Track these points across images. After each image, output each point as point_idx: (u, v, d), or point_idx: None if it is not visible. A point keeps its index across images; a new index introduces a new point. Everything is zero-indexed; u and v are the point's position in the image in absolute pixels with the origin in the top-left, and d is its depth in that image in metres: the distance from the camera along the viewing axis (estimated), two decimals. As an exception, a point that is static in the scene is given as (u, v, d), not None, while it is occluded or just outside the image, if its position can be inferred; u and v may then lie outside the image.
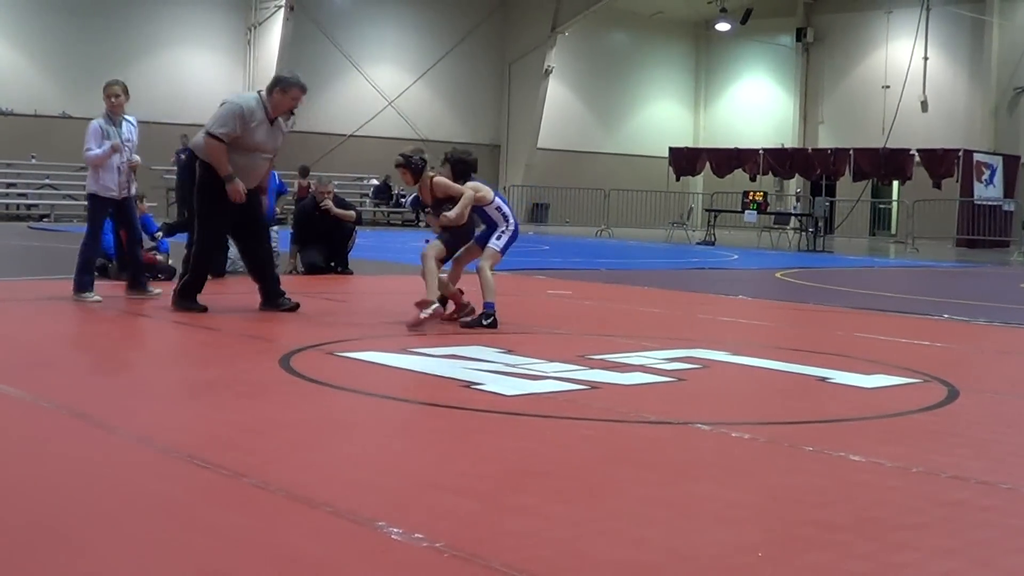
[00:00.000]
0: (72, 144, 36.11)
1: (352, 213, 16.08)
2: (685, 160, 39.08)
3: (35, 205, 34.85)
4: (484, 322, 9.89)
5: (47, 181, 35.48)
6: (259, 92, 10.69)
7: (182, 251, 13.59)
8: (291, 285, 13.64)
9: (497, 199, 10.23)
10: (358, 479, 4.67)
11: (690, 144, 45.54)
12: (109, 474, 4.69)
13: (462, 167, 10.26)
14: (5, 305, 10.69)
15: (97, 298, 10.94)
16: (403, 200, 40.63)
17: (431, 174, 10.04)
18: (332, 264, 15.72)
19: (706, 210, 35.72)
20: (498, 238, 10.19)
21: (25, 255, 19.04)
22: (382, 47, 42.83)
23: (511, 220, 10.28)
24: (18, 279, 12.70)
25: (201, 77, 38.91)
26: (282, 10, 38.68)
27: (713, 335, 10.33)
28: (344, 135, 41.92)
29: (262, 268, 10.85)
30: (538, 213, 43.94)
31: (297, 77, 10.75)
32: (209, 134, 10.42)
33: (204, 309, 10.38)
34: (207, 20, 39.25)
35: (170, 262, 14.10)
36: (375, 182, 40.94)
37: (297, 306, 10.62)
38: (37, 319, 10.12)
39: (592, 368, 7.66)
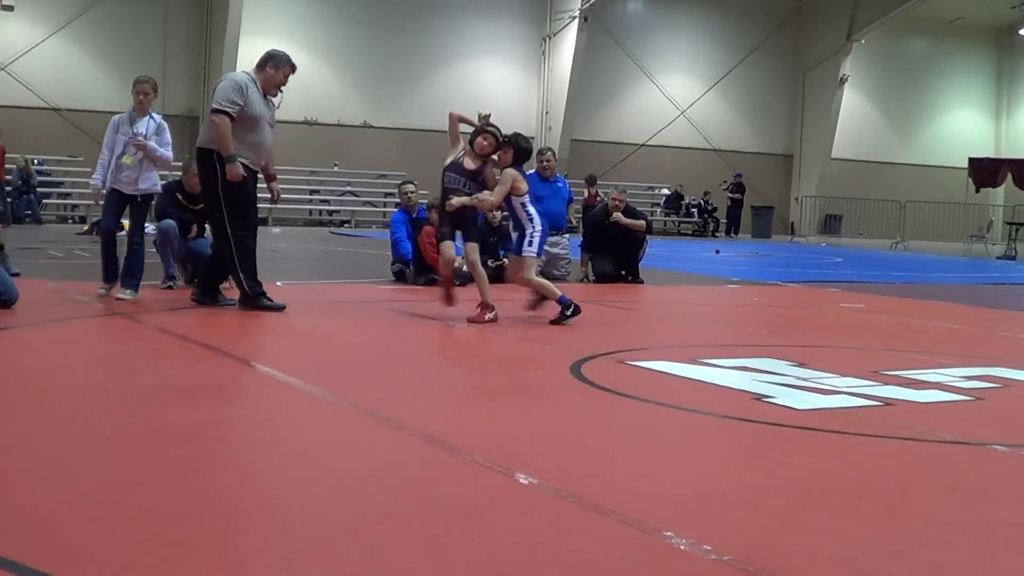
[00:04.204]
0: (372, 153, 37.57)
1: (642, 223, 16.12)
2: (985, 171, 37.66)
3: (337, 211, 36.13)
4: (568, 313, 10.31)
5: (348, 188, 36.76)
6: (244, 71, 10.90)
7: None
8: (582, 293, 13.77)
9: (526, 197, 10.47)
10: (647, 488, 4.68)
11: (991, 154, 43.91)
12: (402, 474, 4.82)
13: (523, 154, 10.54)
14: (308, 307, 11.11)
15: (101, 291, 11.16)
16: (692, 207, 40.49)
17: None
18: (623, 273, 15.80)
19: (1007, 223, 34.40)
20: (530, 244, 10.46)
21: (328, 260, 19.77)
22: (674, 56, 42.78)
23: (536, 219, 10.46)
24: (320, 282, 13.18)
25: (497, 87, 39.62)
26: (576, 21, 39.05)
27: (1014, 353, 9.95)
28: (636, 144, 42.03)
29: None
30: (831, 224, 43.11)
31: (288, 56, 10.90)
32: (216, 110, 10.42)
33: (282, 307, 10.57)
34: (503, 32, 39.95)
35: (465, 269, 14.37)
36: (666, 191, 40.92)
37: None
38: (336, 322, 10.49)
39: (886, 384, 7.48)
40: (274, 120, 10.96)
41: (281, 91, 10.95)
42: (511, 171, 10.42)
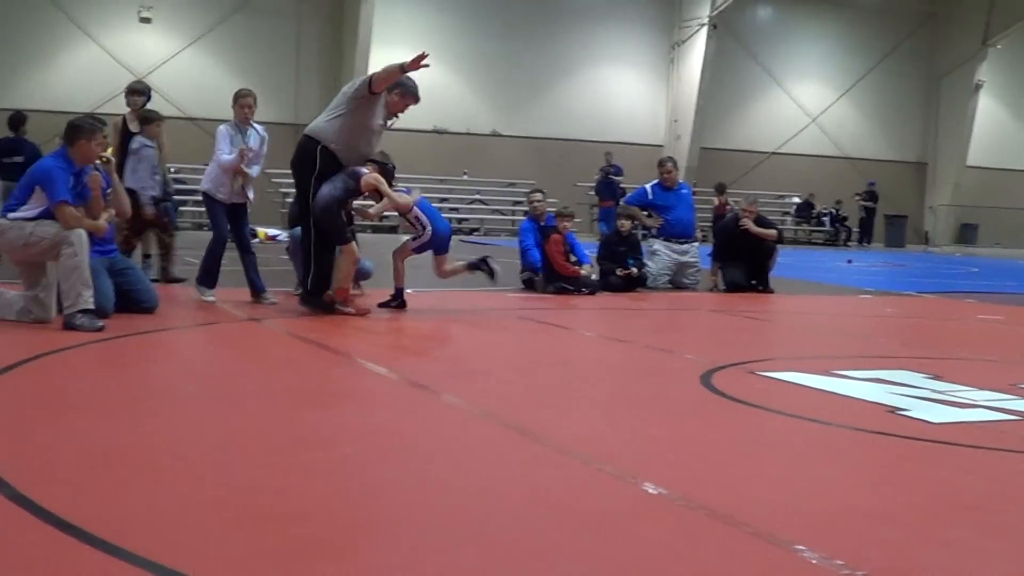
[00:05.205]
0: (501, 162, 37.76)
1: (773, 232, 15.95)
2: None
3: (466, 219, 36.35)
4: (393, 304, 11.27)
5: (477, 196, 36.97)
6: None
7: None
8: (712, 302, 13.69)
9: (416, 209, 11.16)
10: (778, 501, 4.63)
11: None
12: (529, 482, 4.81)
13: (386, 172, 11.07)
14: (439, 315, 11.19)
15: (211, 298, 11.34)
16: (825, 215, 40.00)
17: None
18: (753, 282, 15.65)
19: None
20: (414, 239, 11.39)
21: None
22: (805, 63, 42.38)
23: (428, 228, 11.19)
24: (451, 290, 13.28)
25: (624, 95, 39.62)
26: (705, 28, 38.87)
27: None
28: (766, 152, 41.70)
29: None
30: (967, 234, 42.37)
31: (416, 88, 10.94)
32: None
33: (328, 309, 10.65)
34: (631, 39, 39.91)
35: (594, 277, 14.36)
36: (797, 200, 40.52)
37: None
38: (466, 329, 10.57)
39: (1025, 398, 7.31)
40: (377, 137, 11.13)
41: (397, 117, 11.07)
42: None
